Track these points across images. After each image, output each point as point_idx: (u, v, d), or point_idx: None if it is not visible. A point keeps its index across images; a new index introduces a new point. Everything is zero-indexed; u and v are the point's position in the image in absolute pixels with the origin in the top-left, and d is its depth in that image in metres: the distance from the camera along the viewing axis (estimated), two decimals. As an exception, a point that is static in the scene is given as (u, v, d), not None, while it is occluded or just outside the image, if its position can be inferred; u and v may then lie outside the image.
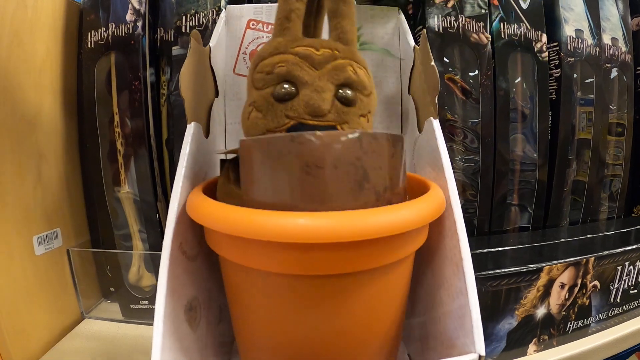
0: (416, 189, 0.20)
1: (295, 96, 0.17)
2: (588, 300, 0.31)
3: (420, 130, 0.24)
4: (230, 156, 0.21)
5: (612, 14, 0.39)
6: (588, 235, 0.33)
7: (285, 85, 0.17)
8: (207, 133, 0.22)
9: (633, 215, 0.43)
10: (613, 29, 0.39)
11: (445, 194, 0.19)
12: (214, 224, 0.14)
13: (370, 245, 0.14)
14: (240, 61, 0.28)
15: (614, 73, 0.39)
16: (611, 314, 0.33)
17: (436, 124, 0.21)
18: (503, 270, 0.25)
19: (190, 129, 0.19)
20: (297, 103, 0.17)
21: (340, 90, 0.18)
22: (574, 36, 0.36)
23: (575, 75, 0.36)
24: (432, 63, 0.21)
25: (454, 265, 0.18)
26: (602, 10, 0.38)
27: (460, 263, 0.17)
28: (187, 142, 0.19)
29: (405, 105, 0.28)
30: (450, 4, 0.31)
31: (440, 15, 0.31)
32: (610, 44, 0.39)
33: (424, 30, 0.23)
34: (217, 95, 0.25)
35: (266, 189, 0.15)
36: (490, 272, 0.25)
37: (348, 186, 0.14)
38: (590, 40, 0.37)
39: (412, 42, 0.26)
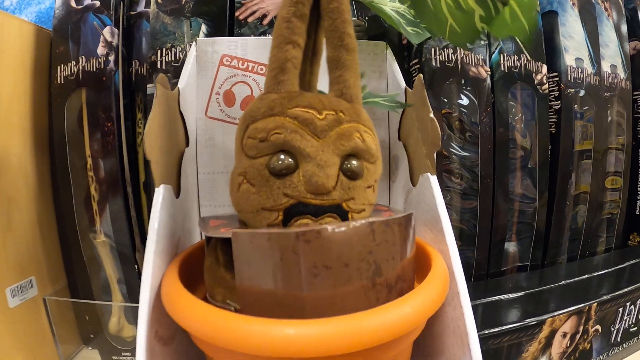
0: (417, 256, 0.19)
1: (295, 170, 0.15)
2: (589, 345, 0.30)
3: (414, 183, 0.22)
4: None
5: (611, 39, 0.38)
6: (587, 275, 0.33)
7: (282, 157, 0.15)
8: (177, 192, 0.20)
9: (629, 242, 0.42)
10: (612, 56, 0.38)
11: (447, 262, 0.18)
12: (200, 333, 0.13)
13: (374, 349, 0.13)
14: (213, 103, 0.25)
15: (613, 101, 0.38)
16: (611, 353, 0.32)
17: (434, 180, 0.20)
18: (505, 328, 0.24)
19: (159, 193, 0.17)
20: (297, 179, 0.15)
21: (346, 162, 0.16)
22: (574, 66, 0.35)
23: (575, 107, 0.35)
24: (432, 115, 0.19)
25: (457, 337, 0.17)
26: (601, 37, 0.37)
27: (466, 338, 0.16)
28: (156, 211, 0.16)
29: (394, 151, 0.26)
30: (448, 36, 0.30)
31: (437, 48, 0.30)
32: (610, 72, 0.38)
33: (420, 75, 0.21)
34: (187, 144, 0.22)
35: (265, 292, 0.13)
36: (491, 331, 0.24)
37: (359, 284, 0.13)
38: (590, 69, 0.36)
39: (402, 83, 0.24)
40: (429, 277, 0.15)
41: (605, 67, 0.38)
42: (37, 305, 0.29)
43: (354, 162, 0.16)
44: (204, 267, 0.16)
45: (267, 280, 0.13)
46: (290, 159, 0.15)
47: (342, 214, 0.16)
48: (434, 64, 0.29)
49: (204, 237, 0.19)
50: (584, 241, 0.37)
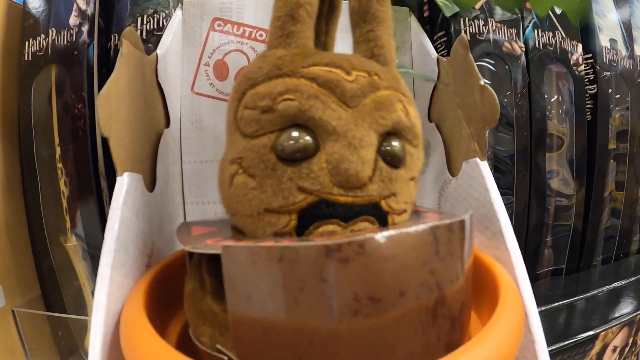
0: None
1: (315, 153, 0.11)
2: (636, 358, 0.27)
3: (453, 173, 0.18)
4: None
5: (642, 21, 0.35)
6: (626, 281, 0.29)
7: (295, 134, 0.11)
8: (152, 185, 0.16)
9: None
10: (645, 39, 0.35)
11: (511, 273, 0.14)
12: None
13: None
14: (201, 76, 0.21)
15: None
16: (656, 366, 0.29)
17: (485, 168, 0.16)
18: (556, 347, 0.20)
19: (122, 183, 0.13)
20: (317, 166, 0.11)
21: (385, 143, 0.12)
22: (609, 47, 0.32)
23: (610, 92, 0.32)
24: (482, 82, 0.15)
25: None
26: (632, 18, 0.34)
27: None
28: (116, 207, 0.12)
29: (423, 135, 0.22)
30: (478, 5, 0.26)
31: (467, 19, 0.26)
32: (643, 56, 0.35)
33: (463, 35, 0.17)
34: (167, 124, 0.18)
35: (274, 336, 0.09)
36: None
37: (417, 320, 0.09)
38: (624, 52, 0.33)
39: (433, 52, 0.21)
40: (503, 305, 0.11)
41: (638, 51, 0.34)
42: (4, 317, 0.26)
43: (395, 143, 0.12)
44: (184, 293, 0.12)
45: (276, 320, 0.09)
46: (307, 137, 0.11)
47: (381, 217, 0.11)
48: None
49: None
50: (619, 241, 0.34)
